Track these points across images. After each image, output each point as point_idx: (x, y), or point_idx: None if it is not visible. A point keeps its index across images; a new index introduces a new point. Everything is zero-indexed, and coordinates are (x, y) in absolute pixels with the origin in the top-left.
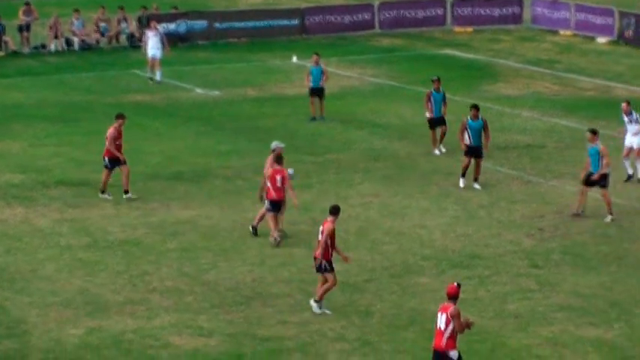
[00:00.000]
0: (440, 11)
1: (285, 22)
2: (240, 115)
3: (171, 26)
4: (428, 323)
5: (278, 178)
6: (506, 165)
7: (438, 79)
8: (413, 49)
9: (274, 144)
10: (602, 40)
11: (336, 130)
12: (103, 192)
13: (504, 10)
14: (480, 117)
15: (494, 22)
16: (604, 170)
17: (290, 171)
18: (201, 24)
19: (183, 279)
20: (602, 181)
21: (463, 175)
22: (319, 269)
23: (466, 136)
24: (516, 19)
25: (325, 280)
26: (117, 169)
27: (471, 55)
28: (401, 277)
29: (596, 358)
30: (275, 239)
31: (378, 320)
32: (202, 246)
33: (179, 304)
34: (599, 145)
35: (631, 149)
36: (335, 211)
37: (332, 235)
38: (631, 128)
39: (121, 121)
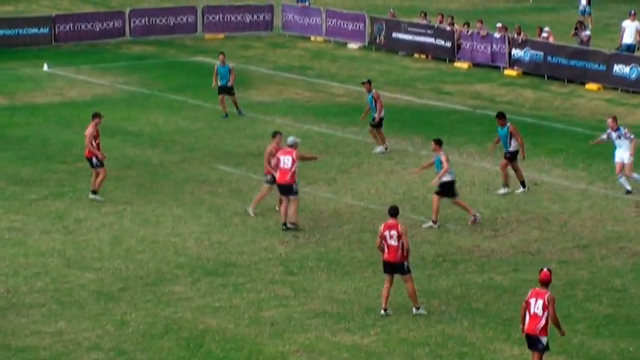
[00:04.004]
0: (191, 18)
1: (35, 30)
2: None
3: None
4: (183, 331)
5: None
6: (259, 172)
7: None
8: (164, 56)
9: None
10: (353, 45)
11: None
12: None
13: (255, 16)
14: (506, 124)
15: (246, 29)
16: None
17: None
18: None
19: None
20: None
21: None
22: (402, 270)
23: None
24: (267, 25)
25: (405, 282)
26: None
27: None
28: (155, 286)
29: None
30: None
31: (133, 329)
32: None
33: None
34: (442, 155)
35: (623, 165)
36: (395, 212)
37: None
38: (619, 144)
39: (97, 120)
